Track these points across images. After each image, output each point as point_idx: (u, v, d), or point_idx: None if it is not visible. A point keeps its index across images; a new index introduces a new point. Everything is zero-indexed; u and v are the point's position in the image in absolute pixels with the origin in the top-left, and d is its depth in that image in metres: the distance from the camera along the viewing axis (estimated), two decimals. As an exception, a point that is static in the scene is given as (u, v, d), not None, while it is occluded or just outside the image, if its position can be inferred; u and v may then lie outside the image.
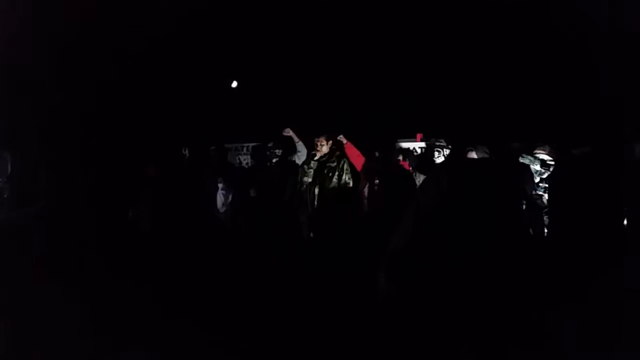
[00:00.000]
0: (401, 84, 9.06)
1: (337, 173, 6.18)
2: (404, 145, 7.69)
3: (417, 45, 8.72)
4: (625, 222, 3.76)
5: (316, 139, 6.45)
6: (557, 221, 3.80)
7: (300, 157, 6.80)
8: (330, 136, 6.45)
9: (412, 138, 7.93)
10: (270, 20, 9.34)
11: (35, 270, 2.40)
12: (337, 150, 6.41)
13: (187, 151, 7.07)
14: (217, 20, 9.05)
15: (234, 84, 12.28)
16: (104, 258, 2.60)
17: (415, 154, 7.48)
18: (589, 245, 3.50)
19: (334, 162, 6.28)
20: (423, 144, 7.56)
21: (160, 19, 8.03)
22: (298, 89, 9.91)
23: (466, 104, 8.26)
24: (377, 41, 8.97)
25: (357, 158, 6.42)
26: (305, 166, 6.43)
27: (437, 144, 6.44)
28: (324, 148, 6.38)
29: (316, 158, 6.39)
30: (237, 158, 9.01)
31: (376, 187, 5.65)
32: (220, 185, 6.72)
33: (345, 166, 6.23)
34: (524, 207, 4.23)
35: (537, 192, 5.06)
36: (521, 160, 5.30)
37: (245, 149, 8.96)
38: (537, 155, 5.46)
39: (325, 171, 6.22)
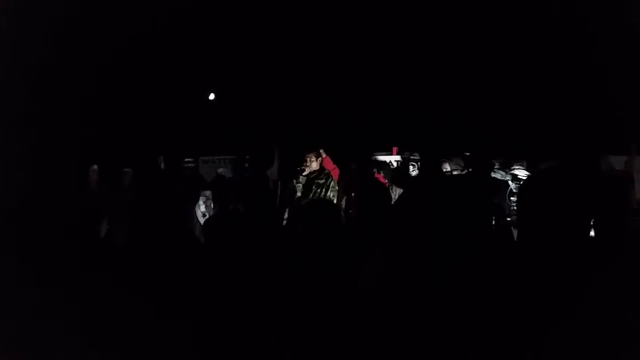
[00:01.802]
0: (377, 98, 9.19)
1: (324, 190, 6.18)
2: (380, 158, 7.78)
3: (392, 60, 8.87)
4: (591, 233, 3.88)
5: (306, 155, 6.41)
6: (523, 235, 3.90)
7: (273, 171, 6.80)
8: (320, 153, 6.42)
9: (388, 151, 8.03)
10: (247, 34, 9.40)
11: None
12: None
13: (162, 163, 7.03)
14: (194, 32, 9.07)
15: (212, 96, 12.29)
16: (76, 269, 2.57)
17: (391, 167, 7.58)
18: (555, 259, 3.59)
19: (322, 179, 6.26)
20: (399, 157, 7.66)
21: (137, 29, 8.01)
22: (275, 102, 9.96)
23: (441, 118, 8.42)
24: (354, 55, 9.10)
25: (333, 171, 6.46)
26: (294, 181, 6.40)
27: (412, 157, 6.54)
28: (313, 164, 6.32)
29: (305, 174, 6.38)
30: (215, 171, 8.98)
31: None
32: (202, 198, 6.65)
33: (332, 183, 6.24)
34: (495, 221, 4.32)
35: (511, 206, 5.17)
36: (493, 175, 5.41)
37: (222, 161, 8.94)
38: (510, 170, 5.57)
39: (314, 187, 6.20)
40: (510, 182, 5.30)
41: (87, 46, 7.58)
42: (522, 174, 5.24)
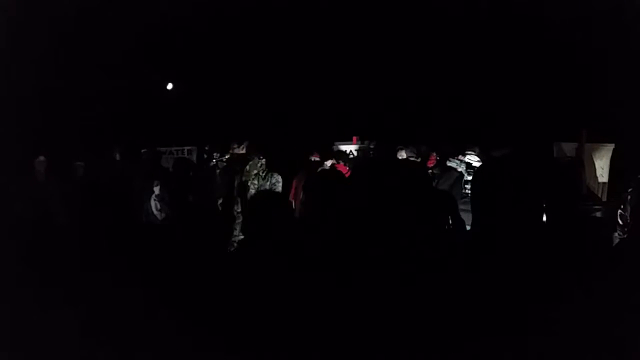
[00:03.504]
0: (338, 88, 9.18)
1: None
2: (342, 148, 7.78)
3: (351, 50, 8.86)
4: (544, 218, 3.96)
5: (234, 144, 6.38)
6: (476, 222, 3.95)
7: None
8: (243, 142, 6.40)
9: (348, 141, 8.04)
10: (206, 22, 9.22)
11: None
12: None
13: (118, 153, 6.82)
14: (153, 22, 8.84)
15: (169, 86, 12.03)
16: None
17: (351, 156, 7.58)
18: (509, 242, 3.65)
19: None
20: (358, 146, 7.68)
21: (97, 19, 7.77)
22: (234, 92, 9.83)
23: (398, 107, 8.48)
24: (314, 45, 9.05)
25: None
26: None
27: (372, 147, 6.57)
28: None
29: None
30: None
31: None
32: (156, 189, 6.45)
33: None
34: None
35: (466, 193, 5.24)
36: (448, 163, 5.47)
37: (180, 152, 8.76)
38: (465, 158, 5.63)
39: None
40: (464, 171, 5.36)
41: (39, 35, 7.29)
42: (474, 159, 5.31)
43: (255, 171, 6.15)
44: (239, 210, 6.03)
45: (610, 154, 6.63)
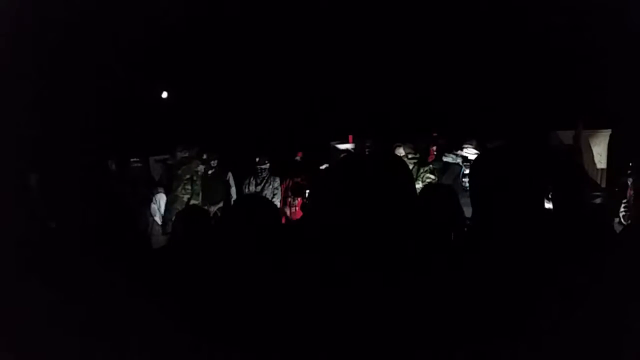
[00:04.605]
0: (332, 86, 9.14)
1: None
2: (337, 147, 7.74)
3: (342, 47, 8.82)
4: (549, 207, 3.94)
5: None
6: (477, 213, 3.92)
7: None
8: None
9: (344, 140, 7.99)
10: (200, 30, 9.17)
11: None
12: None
13: (112, 164, 6.76)
14: (148, 29, 8.77)
15: (164, 94, 11.97)
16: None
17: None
18: (511, 233, 3.60)
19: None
20: (354, 145, 7.64)
21: (90, 23, 7.70)
22: (229, 98, 9.78)
23: (394, 103, 8.44)
24: (303, 44, 9.01)
25: None
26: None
27: (367, 144, 6.54)
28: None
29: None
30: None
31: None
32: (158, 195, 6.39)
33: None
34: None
35: (464, 187, 5.21)
36: (444, 159, 5.44)
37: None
38: (461, 152, 5.60)
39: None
40: (461, 164, 5.34)
41: (32, 44, 7.21)
42: (472, 152, 5.29)
43: (188, 175, 6.04)
44: (170, 217, 5.90)
45: (607, 140, 6.63)
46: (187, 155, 6.16)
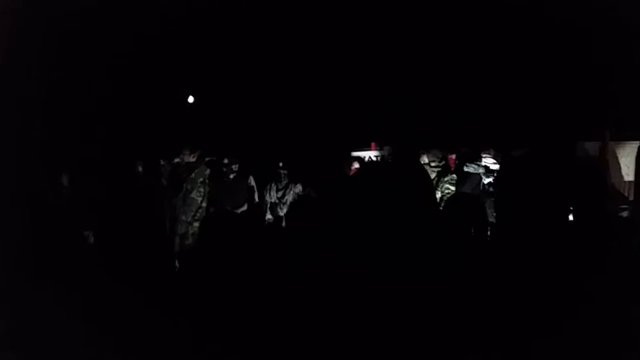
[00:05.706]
0: (353, 93, 9.19)
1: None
2: (359, 154, 7.75)
3: (364, 54, 8.87)
4: (570, 217, 3.91)
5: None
6: (503, 221, 3.92)
7: None
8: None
9: (367, 147, 8.01)
10: (225, 36, 9.32)
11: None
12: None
13: (140, 166, 6.91)
14: (174, 35, 8.96)
15: (191, 99, 12.20)
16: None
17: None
18: (536, 242, 3.59)
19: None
20: (377, 153, 7.65)
21: (117, 32, 7.89)
22: (255, 105, 9.91)
23: (415, 111, 8.44)
24: (328, 52, 9.09)
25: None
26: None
27: (390, 152, 6.55)
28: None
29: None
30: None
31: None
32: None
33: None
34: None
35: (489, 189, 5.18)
36: (465, 169, 5.43)
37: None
38: (481, 162, 5.59)
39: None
40: (482, 175, 5.33)
41: (61, 48, 7.42)
42: (490, 162, 5.26)
43: (202, 179, 6.15)
44: (187, 219, 5.99)
45: (635, 152, 6.51)
46: (194, 159, 6.31)
